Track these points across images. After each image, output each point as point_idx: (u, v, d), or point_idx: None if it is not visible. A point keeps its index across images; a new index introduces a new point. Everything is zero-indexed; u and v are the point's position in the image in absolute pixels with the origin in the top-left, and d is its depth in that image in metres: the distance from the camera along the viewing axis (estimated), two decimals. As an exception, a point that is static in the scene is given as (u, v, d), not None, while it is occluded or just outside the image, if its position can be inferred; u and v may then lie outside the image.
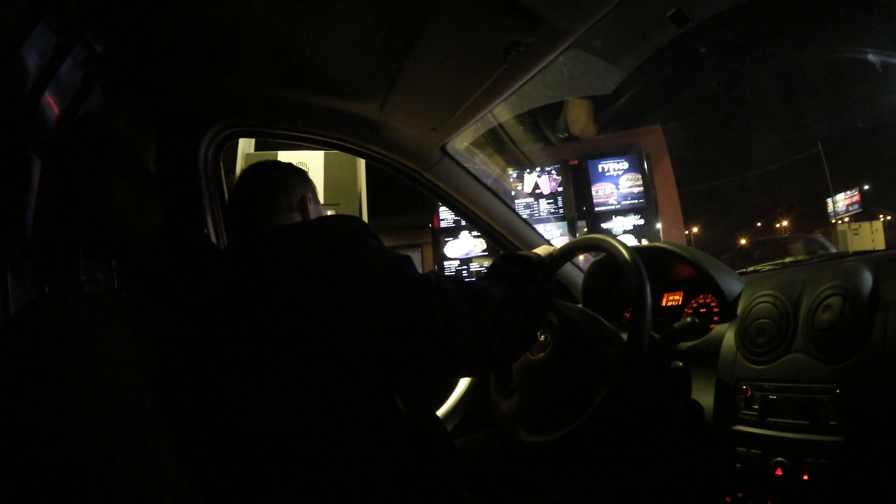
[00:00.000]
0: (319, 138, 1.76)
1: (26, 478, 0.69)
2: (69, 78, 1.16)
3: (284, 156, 3.26)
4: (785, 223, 26.21)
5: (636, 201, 8.73)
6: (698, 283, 1.44)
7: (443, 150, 1.80)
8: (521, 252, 1.27)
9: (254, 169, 1.22)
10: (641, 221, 8.62)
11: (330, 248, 0.93)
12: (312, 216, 1.19)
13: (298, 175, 1.22)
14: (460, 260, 8.11)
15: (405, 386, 1.08)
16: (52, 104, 1.14)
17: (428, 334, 0.92)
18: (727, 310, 1.33)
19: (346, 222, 1.01)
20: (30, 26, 0.97)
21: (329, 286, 0.89)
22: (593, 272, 1.69)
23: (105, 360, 0.77)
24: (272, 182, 1.18)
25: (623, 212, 8.69)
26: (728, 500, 1.14)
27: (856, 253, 1.39)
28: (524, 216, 2.49)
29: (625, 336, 1.17)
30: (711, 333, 1.31)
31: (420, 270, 1.00)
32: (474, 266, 8.04)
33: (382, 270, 0.93)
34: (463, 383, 2.01)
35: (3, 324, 0.82)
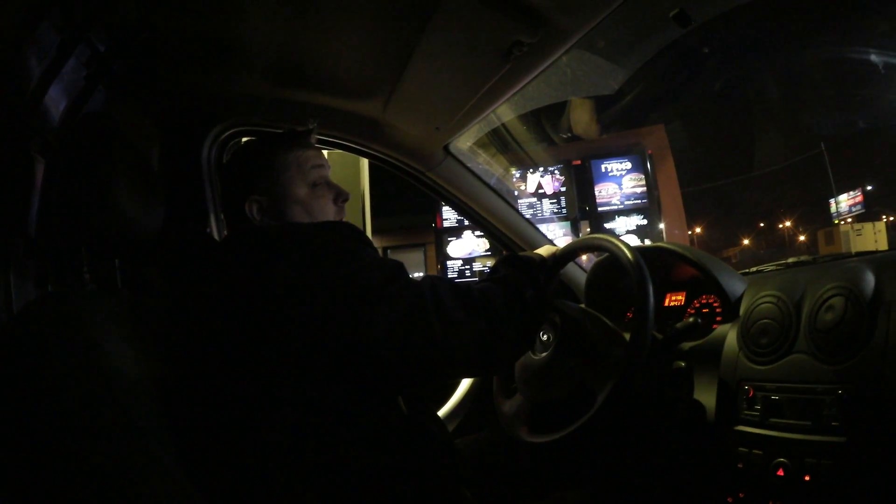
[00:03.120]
0: (322, 138, 1.76)
1: (27, 476, 0.69)
2: (72, 77, 1.16)
3: (287, 155, 3.25)
4: (788, 223, 26.19)
5: (639, 201, 8.70)
6: (701, 283, 1.44)
7: (446, 149, 1.80)
8: (523, 253, 1.27)
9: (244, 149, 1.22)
10: (644, 221, 8.60)
11: (321, 258, 0.92)
12: None
13: None
14: (463, 259, 8.08)
15: (405, 388, 1.08)
16: (55, 103, 1.15)
17: (426, 343, 0.92)
18: (730, 310, 1.33)
19: (337, 230, 1.00)
20: (33, 25, 0.98)
21: (321, 298, 0.88)
22: (596, 272, 1.68)
23: (107, 359, 0.77)
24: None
25: (626, 212, 8.66)
26: (730, 500, 1.14)
27: (858, 253, 1.39)
28: (527, 216, 2.49)
29: (627, 336, 1.17)
30: (714, 334, 1.30)
31: (424, 270, 1.00)
32: (477, 266, 8.02)
33: (376, 282, 0.92)
34: (465, 383, 2.01)
35: (7, 322, 0.82)
